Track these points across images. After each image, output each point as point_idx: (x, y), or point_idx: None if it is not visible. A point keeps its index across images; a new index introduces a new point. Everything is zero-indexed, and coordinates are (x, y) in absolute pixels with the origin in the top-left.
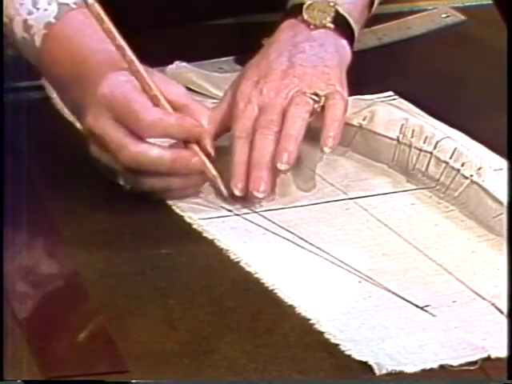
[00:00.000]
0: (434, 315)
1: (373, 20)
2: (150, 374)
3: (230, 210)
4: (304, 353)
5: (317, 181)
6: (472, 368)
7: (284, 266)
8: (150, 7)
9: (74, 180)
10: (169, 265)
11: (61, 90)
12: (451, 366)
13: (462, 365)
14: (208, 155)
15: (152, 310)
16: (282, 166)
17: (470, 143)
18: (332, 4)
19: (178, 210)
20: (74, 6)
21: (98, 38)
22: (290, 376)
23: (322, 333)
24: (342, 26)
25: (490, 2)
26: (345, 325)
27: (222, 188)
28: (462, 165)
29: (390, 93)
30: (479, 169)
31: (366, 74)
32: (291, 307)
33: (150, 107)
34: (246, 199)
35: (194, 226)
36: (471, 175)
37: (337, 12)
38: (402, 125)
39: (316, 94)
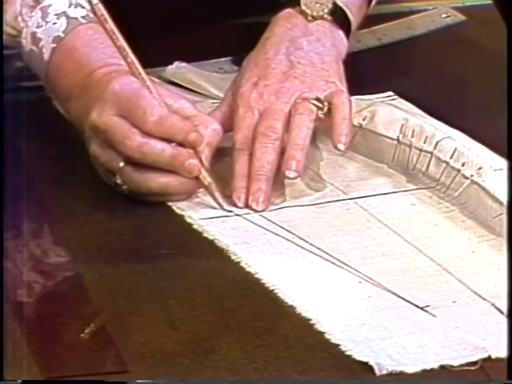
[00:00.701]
0: (434, 315)
1: (373, 20)
2: (150, 374)
3: (230, 211)
4: (304, 353)
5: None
6: (472, 368)
7: (284, 266)
8: (151, 8)
9: (73, 180)
10: (169, 265)
11: (66, 102)
12: (451, 367)
13: (462, 365)
14: (202, 164)
15: (152, 310)
16: (290, 174)
17: (471, 143)
18: None
19: (177, 210)
20: (83, 21)
21: (107, 52)
22: (290, 376)
23: (322, 333)
24: (339, 18)
25: (490, 2)
26: (345, 325)
27: (217, 195)
28: (463, 165)
29: (390, 93)
30: (479, 169)
31: (366, 74)
32: (291, 307)
33: (157, 105)
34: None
35: (195, 226)
36: (471, 175)
37: (334, 4)
38: (403, 125)
39: (318, 100)
